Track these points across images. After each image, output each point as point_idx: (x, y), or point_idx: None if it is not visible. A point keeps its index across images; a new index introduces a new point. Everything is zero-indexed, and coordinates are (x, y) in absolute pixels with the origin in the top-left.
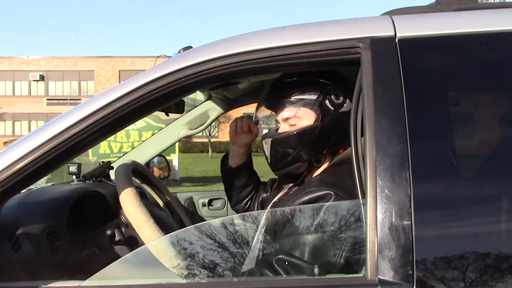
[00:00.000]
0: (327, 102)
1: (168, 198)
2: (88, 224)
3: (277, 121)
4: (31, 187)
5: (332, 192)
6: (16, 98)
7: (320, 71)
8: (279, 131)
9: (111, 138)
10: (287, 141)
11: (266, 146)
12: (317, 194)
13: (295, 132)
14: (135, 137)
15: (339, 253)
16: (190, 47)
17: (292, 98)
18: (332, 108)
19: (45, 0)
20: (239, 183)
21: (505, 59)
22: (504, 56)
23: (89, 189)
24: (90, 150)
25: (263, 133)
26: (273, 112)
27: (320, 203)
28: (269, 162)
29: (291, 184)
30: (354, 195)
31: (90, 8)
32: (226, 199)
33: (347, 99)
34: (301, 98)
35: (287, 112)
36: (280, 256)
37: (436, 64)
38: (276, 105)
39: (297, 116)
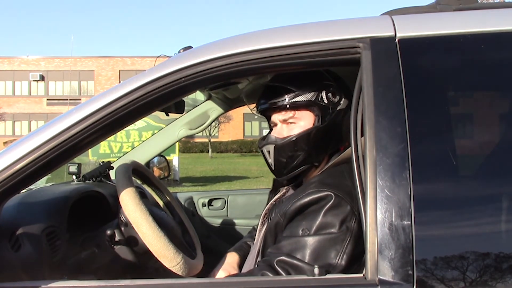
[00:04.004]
0: (324, 100)
1: (168, 198)
2: (88, 224)
3: (274, 123)
4: (31, 187)
5: (332, 193)
6: (16, 98)
7: (316, 70)
8: (277, 134)
9: (111, 138)
10: (291, 146)
11: (268, 153)
12: (317, 195)
13: (299, 136)
14: (135, 137)
15: (340, 254)
16: (190, 47)
17: (289, 100)
18: (329, 106)
19: (45, 0)
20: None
21: (505, 59)
22: (504, 56)
23: (89, 189)
24: (90, 150)
25: (263, 139)
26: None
27: (320, 204)
28: (273, 168)
29: (288, 186)
30: (353, 196)
31: (90, 8)
32: (226, 199)
33: (343, 97)
34: (298, 100)
35: (284, 114)
36: (281, 257)
37: (436, 64)
38: (272, 107)
39: (296, 117)
